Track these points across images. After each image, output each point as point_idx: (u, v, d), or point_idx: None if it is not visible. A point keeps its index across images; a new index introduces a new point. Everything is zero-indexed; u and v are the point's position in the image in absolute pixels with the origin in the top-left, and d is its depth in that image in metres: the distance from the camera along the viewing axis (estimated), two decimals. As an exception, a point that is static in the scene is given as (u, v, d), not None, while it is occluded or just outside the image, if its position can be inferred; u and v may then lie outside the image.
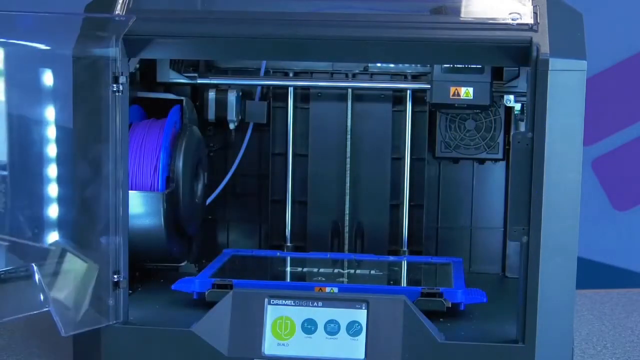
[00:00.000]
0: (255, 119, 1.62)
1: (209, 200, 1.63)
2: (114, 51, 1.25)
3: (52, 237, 1.31)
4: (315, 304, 1.29)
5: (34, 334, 1.49)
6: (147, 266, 1.53)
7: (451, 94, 1.50)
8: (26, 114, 1.34)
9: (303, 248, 1.64)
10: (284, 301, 1.29)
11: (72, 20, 1.29)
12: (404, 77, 1.61)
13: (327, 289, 1.35)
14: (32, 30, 1.27)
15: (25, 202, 1.33)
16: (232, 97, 1.60)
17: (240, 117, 1.61)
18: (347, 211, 1.62)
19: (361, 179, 1.63)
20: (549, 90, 1.20)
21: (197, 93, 1.64)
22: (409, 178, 1.61)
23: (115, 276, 1.27)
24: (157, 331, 1.30)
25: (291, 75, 1.61)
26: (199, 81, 1.59)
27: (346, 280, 1.43)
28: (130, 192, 1.32)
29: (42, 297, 1.20)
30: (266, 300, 1.28)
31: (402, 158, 1.61)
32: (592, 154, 3.01)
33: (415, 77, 1.60)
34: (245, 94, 1.63)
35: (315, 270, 1.49)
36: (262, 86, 1.63)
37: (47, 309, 1.20)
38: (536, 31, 1.24)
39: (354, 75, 1.61)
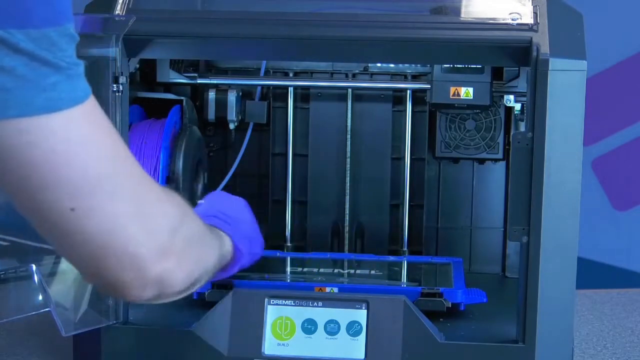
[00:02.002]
0: (255, 119, 1.62)
1: (209, 200, 1.63)
2: (114, 51, 1.25)
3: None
4: (315, 304, 1.29)
5: (34, 334, 1.49)
6: (147, 266, 1.52)
7: (451, 94, 1.50)
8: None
9: (303, 248, 1.63)
10: (284, 301, 1.29)
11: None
12: (404, 77, 1.60)
13: (327, 289, 1.35)
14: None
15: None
16: (232, 97, 1.60)
17: (240, 117, 1.61)
18: (347, 211, 1.62)
19: (361, 179, 1.63)
20: (549, 90, 1.20)
21: (197, 93, 1.63)
22: (409, 178, 1.61)
23: (115, 276, 1.27)
24: (157, 331, 1.30)
25: (291, 75, 1.61)
26: (199, 81, 1.59)
27: (346, 280, 1.43)
28: (130, 192, 1.32)
29: (42, 297, 1.20)
30: (266, 300, 1.28)
31: (402, 158, 1.61)
32: (592, 154, 3.02)
33: (415, 77, 1.60)
34: (245, 94, 1.63)
35: (315, 270, 1.48)
36: (262, 86, 1.63)
37: (47, 309, 1.20)
38: (536, 31, 1.24)
39: (354, 75, 1.61)
